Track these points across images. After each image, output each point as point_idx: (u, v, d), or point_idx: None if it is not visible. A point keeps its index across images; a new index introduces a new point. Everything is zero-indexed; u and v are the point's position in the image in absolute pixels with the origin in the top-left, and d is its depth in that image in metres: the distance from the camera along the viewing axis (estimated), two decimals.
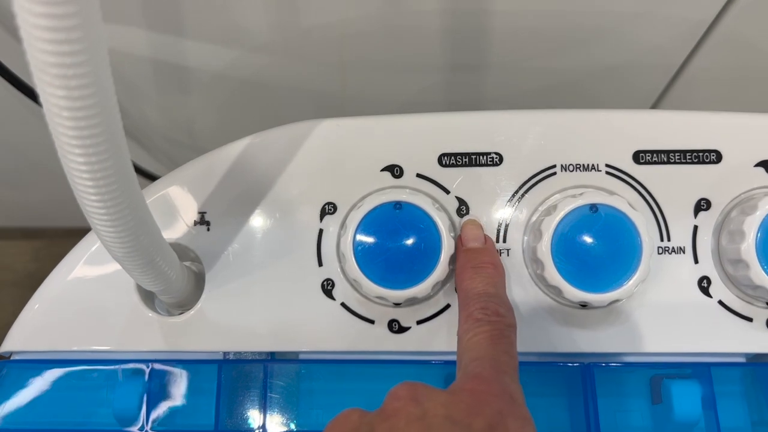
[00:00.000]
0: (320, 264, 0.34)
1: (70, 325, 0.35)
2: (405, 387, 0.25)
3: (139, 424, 0.34)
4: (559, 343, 0.34)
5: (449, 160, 0.35)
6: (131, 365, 0.34)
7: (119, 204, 0.24)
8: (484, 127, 0.35)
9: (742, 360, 0.35)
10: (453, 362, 0.30)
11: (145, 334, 0.35)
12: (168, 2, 0.41)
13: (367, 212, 0.33)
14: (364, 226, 0.33)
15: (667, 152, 0.34)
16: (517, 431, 0.24)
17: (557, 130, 0.35)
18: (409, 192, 0.34)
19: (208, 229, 0.35)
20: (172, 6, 0.41)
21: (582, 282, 0.32)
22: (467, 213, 0.34)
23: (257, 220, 0.35)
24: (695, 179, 0.34)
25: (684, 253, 0.34)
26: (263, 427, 0.34)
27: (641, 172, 0.34)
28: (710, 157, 0.34)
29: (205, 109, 0.54)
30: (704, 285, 0.34)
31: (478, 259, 0.32)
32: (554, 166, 0.34)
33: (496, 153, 0.35)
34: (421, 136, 0.35)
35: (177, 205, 0.35)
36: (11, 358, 0.36)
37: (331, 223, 0.35)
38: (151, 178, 0.59)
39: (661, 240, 0.34)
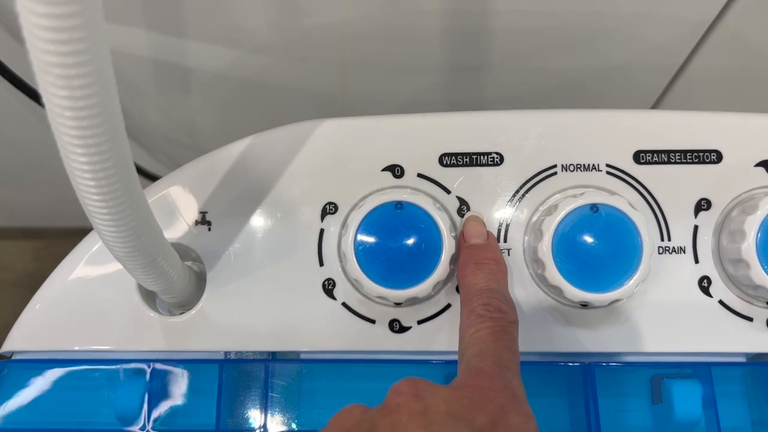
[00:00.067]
0: (321, 264, 0.34)
1: (72, 324, 0.35)
2: (407, 383, 0.25)
3: (141, 424, 0.34)
4: (559, 343, 0.34)
5: (450, 160, 0.35)
6: (132, 365, 0.35)
7: (121, 204, 0.24)
8: (484, 127, 0.35)
9: (742, 360, 0.35)
10: (454, 362, 0.30)
11: (146, 333, 0.35)
12: (168, 2, 0.41)
13: (368, 212, 0.33)
14: (365, 225, 0.33)
15: (668, 152, 0.34)
16: (519, 427, 0.24)
17: (558, 130, 0.35)
18: (410, 192, 0.34)
19: (210, 229, 0.35)
20: (173, 6, 0.41)
21: (583, 282, 0.32)
22: (468, 213, 0.34)
23: (258, 220, 0.35)
24: (696, 179, 0.34)
25: (684, 252, 0.34)
26: (264, 426, 0.34)
27: (642, 172, 0.34)
28: (711, 157, 0.34)
29: (206, 109, 0.54)
30: (705, 285, 0.34)
31: (481, 255, 0.32)
32: (555, 166, 0.34)
33: (497, 153, 0.35)
34: (422, 136, 0.35)
35: (178, 204, 0.35)
36: (12, 357, 0.36)
37: (332, 223, 0.35)
38: (152, 178, 0.59)
39: (662, 240, 0.34)
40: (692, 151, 0.34)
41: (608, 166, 0.34)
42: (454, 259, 0.33)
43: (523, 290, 0.34)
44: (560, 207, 0.32)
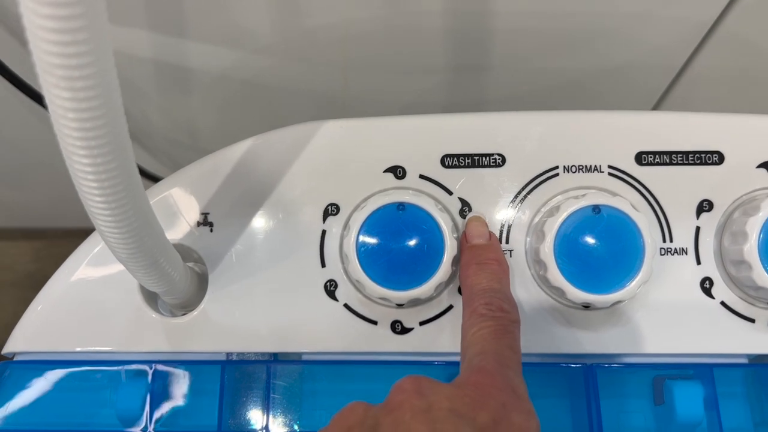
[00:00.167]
0: (323, 265, 0.34)
1: (73, 326, 0.35)
2: (410, 380, 0.25)
3: (142, 425, 0.34)
4: (561, 344, 0.34)
5: (452, 161, 0.35)
6: (134, 366, 0.35)
7: (124, 205, 0.24)
8: (486, 128, 0.35)
9: (744, 361, 0.35)
10: (456, 363, 0.30)
11: (148, 335, 0.35)
12: (170, 3, 0.41)
13: (370, 213, 0.33)
14: (367, 227, 0.33)
15: (670, 153, 0.34)
16: (522, 425, 0.24)
17: (560, 132, 0.35)
18: (412, 193, 0.34)
19: (211, 230, 0.35)
20: (174, 7, 0.41)
21: (585, 283, 0.32)
22: (470, 213, 0.34)
23: (260, 221, 0.35)
24: (697, 180, 0.34)
25: (686, 254, 0.34)
26: (266, 427, 0.34)
27: (643, 173, 0.34)
28: (712, 158, 0.34)
29: (207, 109, 0.54)
30: (706, 286, 0.34)
31: (483, 255, 0.32)
32: (557, 168, 0.34)
33: (499, 154, 0.35)
34: (423, 137, 0.35)
35: (180, 206, 0.35)
36: (14, 359, 0.36)
37: (334, 224, 0.35)
38: (152, 178, 0.59)
39: (664, 241, 0.34)
40: (694, 153, 0.34)
41: (610, 167, 0.34)
42: (456, 261, 0.33)
43: (524, 291, 0.34)
44: (562, 208, 0.32)
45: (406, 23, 0.43)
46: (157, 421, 0.34)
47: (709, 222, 0.34)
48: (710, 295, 0.34)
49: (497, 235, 0.34)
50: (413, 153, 0.35)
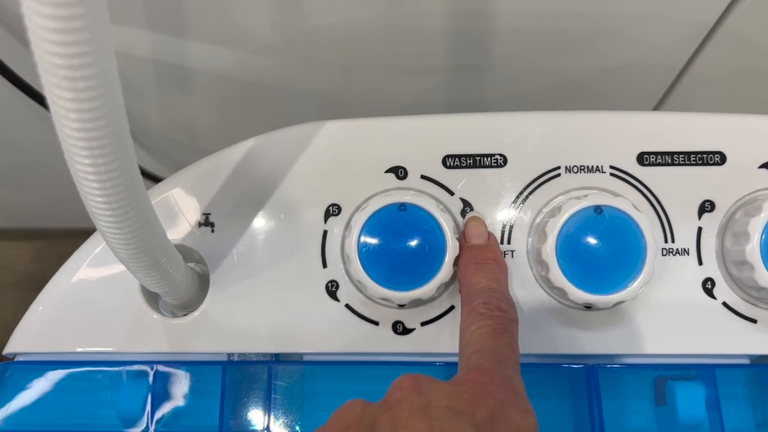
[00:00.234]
0: (324, 265, 0.34)
1: (74, 326, 0.35)
2: (408, 378, 0.25)
3: (143, 426, 0.34)
4: (563, 345, 0.34)
5: (453, 161, 0.35)
6: (135, 367, 0.34)
7: (125, 206, 0.24)
8: (488, 128, 0.35)
9: (746, 362, 0.35)
10: (457, 363, 0.30)
11: (149, 335, 0.34)
12: (170, 3, 0.41)
13: (372, 214, 0.33)
14: (369, 227, 0.33)
15: (671, 154, 0.34)
16: (520, 422, 0.24)
17: (561, 132, 0.35)
18: (413, 193, 0.34)
19: (213, 231, 0.35)
20: (174, 7, 0.41)
21: (586, 283, 0.32)
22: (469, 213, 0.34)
23: (261, 222, 0.35)
24: (699, 181, 0.34)
25: (688, 254, 0.34)
26: (267, 428, 0.33)
27: (645, 173, 0.34)
28: (714, 158, 0.34)
29: (207, 109, 0.54)
30: (708, 286, 0.34)
31: (482, 255, 0.32)
32: (558, 168, 0.34)
33: (501, 154, 0.35)
34: (425, 137, 0.35)
35: (181, 206, 0.35)
36: (15, 359, 0.36)
37: (336, 225, 0.35)
38: (152, 178, 0.59)
39: (666, 241, 0.34)
40: (696, 153, 0.34)
41: (612, 167, 0.34)
42: (458, 261, 0.33)
43: (526, 292, 0.34)
44: (564, 209, 0.32)
45: (406, 23, 0.42)
46: (158, 421, 0.34)
47: (711, 222, 0.34)
48: (712, 296, 0.34)
49: (499, 235, 0.34)
50: (414, 153, 0.35)
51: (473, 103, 0.52)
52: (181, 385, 0.34)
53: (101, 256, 0.35)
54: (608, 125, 0.35)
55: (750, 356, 0.35)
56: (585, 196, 0.33)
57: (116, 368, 0.35)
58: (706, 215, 0.34)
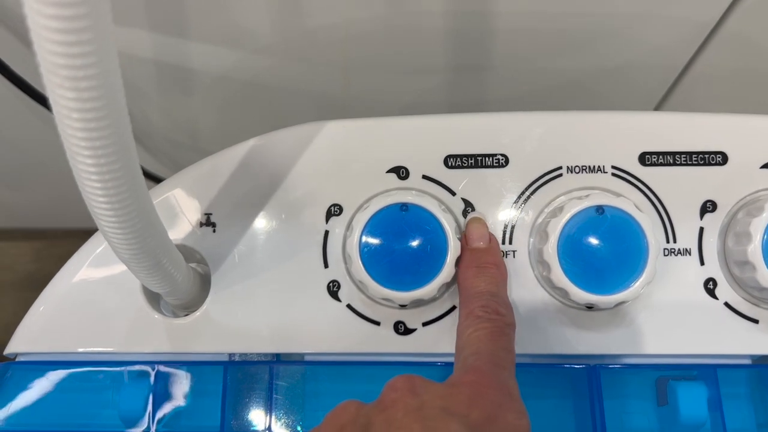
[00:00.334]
0: (326, 266, 0.34)
1: (75, 326, 0.35)
2: (402, 379, 0.25)
3: (145, 426, 0.33)
4: (564, 345, 0.34)
5: (455, 161, 0.34)
6: (137, 367, 0.34)
7: (127, 206, 0.24)
8: (489, 128, 0.35)
9: (747, 362, 0.34)
10: None
11: (150, 335, 0.34)
12: (170, 3, 0.41)
13: (373, 214, 0.33)
14: (370, 227, 0.33)
15: (673, 154, 0.34)
16: (514, 423, 0.24)
17: (563, 132, 0.35)
18: (415, 193, 0.34)
19: (214, 231, 0.35)
20: (175, 7, 0.41)
21: (588, 284, 0.32)
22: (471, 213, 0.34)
23: (263, 222, 0.35)
24: (701, 181, 0.34)
25: (690, 254, 0.34)
26: (269, 428, 0.33)
27: (647, 173, 0.34)
28: (716, 158, 0.34)
29: (208, 110, 0.54)
30: (710, 287, 0.34)
31: (482, 259, 0.32)
32: (560, 168, 0.34)
33: (502, 154, 0.35)
34: (426, 137, 0.35)
35: (183, 206, 0.35)
36: (16, 359, 0.36)
37: (337, 225, 0.35)
38: (153, 178, 0.59)
39: (667, 242, 0.34)
40: (697, 153, 0.34)
41: (614, 167, 0.34)
42: (459, 263, 0.33)
43: (528, 292, 0.34)
44: (566, 209, 0.32)
45: (406, 23, 0.42)
46: (159, 421, 0.34)
47: (713, 223, 0.34)
48: (714, 296, 0.34)
49: (500, 235, 0.34)
50: (416, 153, 0.35)
51: (473, 104, 0.52)
52: (182, 385, 0.34)
53: (102, 256, 0.35)
54: (610, 125, 0.35)
55: (752, 356, 0.34)
56: (587, 196, 0.33)
57: (117, 368, 0.35)
58: (707, 215, 0.34)
